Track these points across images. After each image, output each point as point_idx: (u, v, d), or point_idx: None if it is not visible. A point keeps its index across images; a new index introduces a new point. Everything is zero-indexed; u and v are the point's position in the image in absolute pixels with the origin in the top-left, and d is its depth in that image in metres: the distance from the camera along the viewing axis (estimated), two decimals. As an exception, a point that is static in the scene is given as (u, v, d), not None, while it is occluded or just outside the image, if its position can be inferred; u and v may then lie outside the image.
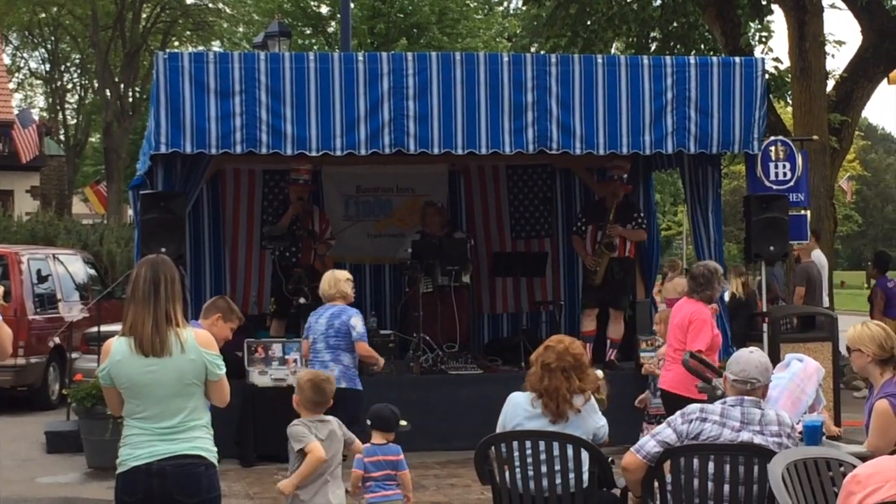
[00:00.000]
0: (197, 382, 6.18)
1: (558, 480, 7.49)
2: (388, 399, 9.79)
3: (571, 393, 7.65)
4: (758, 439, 7.00)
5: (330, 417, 8.36)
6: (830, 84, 19.67)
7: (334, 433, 8.20)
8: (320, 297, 15.43)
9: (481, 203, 17.70)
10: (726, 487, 6.98)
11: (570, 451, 7.49)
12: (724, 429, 7.03)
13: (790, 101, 20.03)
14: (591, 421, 7.78)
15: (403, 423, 9.09)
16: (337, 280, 12.01)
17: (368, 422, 8.94)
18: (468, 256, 15.62)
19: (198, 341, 6.19)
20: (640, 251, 16.85)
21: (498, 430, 7.92)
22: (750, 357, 7.35)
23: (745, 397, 7.13)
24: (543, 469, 7.49)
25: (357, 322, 11.79)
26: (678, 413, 7.30)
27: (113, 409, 6.37)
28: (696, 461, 7.00)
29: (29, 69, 55.32)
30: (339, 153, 13.02)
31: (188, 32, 49.46)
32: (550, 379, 7.70)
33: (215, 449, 6.31)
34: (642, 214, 15.59)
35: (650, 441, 7.17)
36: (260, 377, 13.13)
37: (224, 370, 6.28)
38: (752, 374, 7.22)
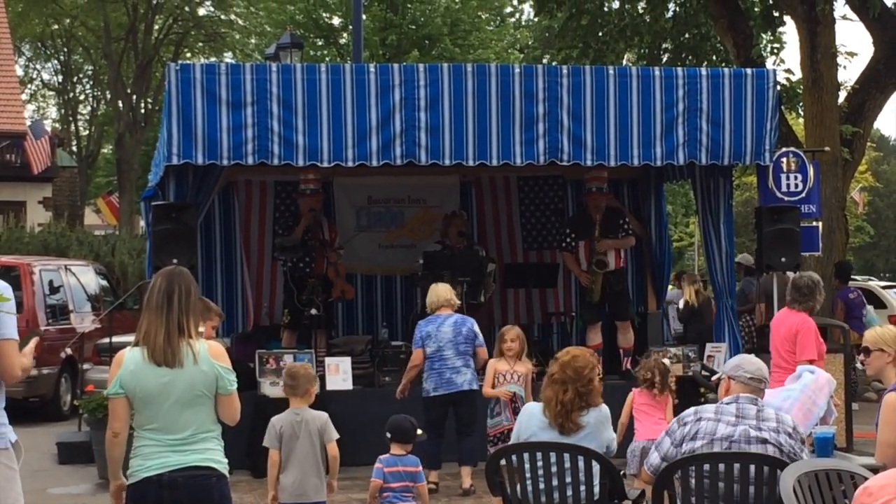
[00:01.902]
0: (207, 394, 6.18)
1: (569, 492, 7.48)
2: (398, 410, 9.79)
3: (566, 406, 7.64)
4: (754, 432, 7.01)
5: (312, 413, 8.84)
6: (842, 95, 19.63)
7: (300, 427, 8.74)
8: (331, 308, 15.53)
9: (493, 214, 17.70)
10: (736, 497, 6.96)
11: (580, 463, 7.48)
12: (719, 424, 7.05)
13: (802, 113, 19.99)
14: (606, 433, 7.78)
15: (419, 431, 9.19)
16: (450, 289, 12.62)
17: (388, 434, 9.00)
18: (483, 271, 15.54)
19: (210, 353, 6.20)
20: (652, 262, 16.84)
21: (512, 441, 7.93)
22: (757, 359, 7.47)
23: (741, 394, 7.16)
24: (554, 481, 7.49)
25: (478, 329, 12.43)
26: (675, 419, 7.35)
27: (116, 422, 6.28)
28: (706, 469, 6.99)
29: (41, 80, 55.49)
30: (350, 164, 13.02)
31: (200, 44, 49.55)
32: (550, 389, 7.73)
33: (226, 460, 6.31)
34: (626, 219, 15.49)
35: (653, 454, 7.26)
36: (271, 388, 13.12)
37: (236, 385, 6.27)
38: (765, 373, 7.34)
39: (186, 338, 6.15)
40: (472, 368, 12.26)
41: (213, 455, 6.22)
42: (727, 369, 7.42)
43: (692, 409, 7.33)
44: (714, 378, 8.58)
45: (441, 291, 12.50)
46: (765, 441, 6.97)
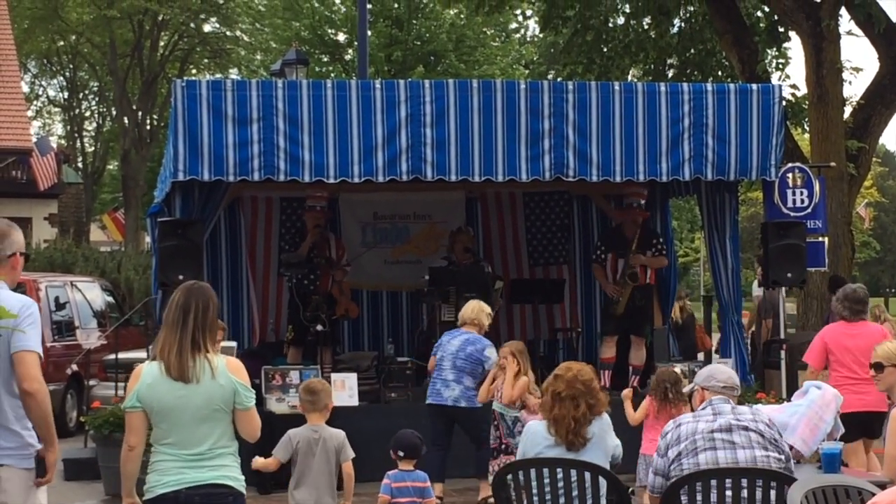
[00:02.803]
0: (224, 409, 6.18)
1: (576, 508, 7.47)
2: (404, 426, 9.77)
3: (580, 421, 7.61)
4: (734, 422, 7.11)
5: (330, 431, 8.75)
6: (848, 111, 19.65)
7: (317, 444, 8.63)
8: (336, 324, 15.51)
9: (498, 230, 17.69)
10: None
11: (587, 479, 7.46)
12: (699, 423, 7.15)
13: (807, 128, 20.03)
14: (610, 440, 7.76)
15: None
16: (481, 310, 12.40)
17: (401, 452, 8.98)
18: (489, 287, 15.49)
19: (229, 368, 6.22)
20: (658, 278, 16.81)
21: (518, 459, 7.90)
22: (728, 368, 7.64)
23: (714, 397, 7.22)
24: (562, 498, 7.46)
25: (492, 353, 12.09)
26: (660, 434, 7.45)
27: (132, 436, 6.28)
28: (713, 484, 6.98)
29: (47, 97, 55.62)
30: (356, 180, 13.01)
31: (206, 60, 49.61)
32: (560, 407, 7.66)
33: (243, 477, 6.31)
34: (661, 240, 15.53)
35: (650, 475, 7.36)
36: (277, 404, 13.11)
37: (254, 402, 6.27)
38: (736, 381, 7.47)
39: (203, 353, 6.15)
40: (463, 385, 12.05)
41: (229, 472, 6.22)
42: (699, 380, 7.55)
43: (671, 421, 7.41)
44: (686, 390, 8.63)
45: (467, 310, 12.42)
46: (746, 428, 7.05)
